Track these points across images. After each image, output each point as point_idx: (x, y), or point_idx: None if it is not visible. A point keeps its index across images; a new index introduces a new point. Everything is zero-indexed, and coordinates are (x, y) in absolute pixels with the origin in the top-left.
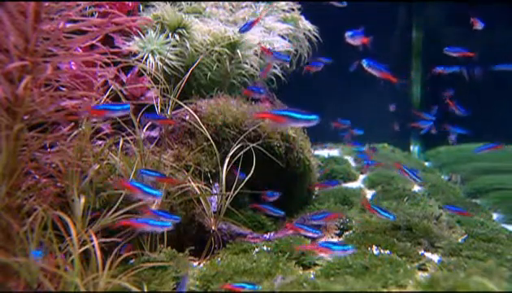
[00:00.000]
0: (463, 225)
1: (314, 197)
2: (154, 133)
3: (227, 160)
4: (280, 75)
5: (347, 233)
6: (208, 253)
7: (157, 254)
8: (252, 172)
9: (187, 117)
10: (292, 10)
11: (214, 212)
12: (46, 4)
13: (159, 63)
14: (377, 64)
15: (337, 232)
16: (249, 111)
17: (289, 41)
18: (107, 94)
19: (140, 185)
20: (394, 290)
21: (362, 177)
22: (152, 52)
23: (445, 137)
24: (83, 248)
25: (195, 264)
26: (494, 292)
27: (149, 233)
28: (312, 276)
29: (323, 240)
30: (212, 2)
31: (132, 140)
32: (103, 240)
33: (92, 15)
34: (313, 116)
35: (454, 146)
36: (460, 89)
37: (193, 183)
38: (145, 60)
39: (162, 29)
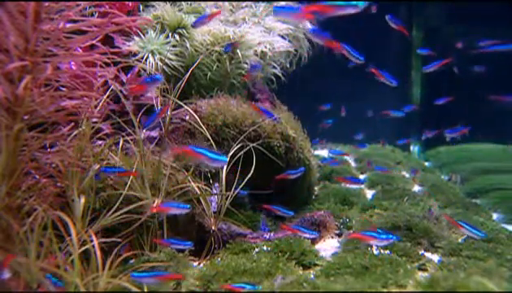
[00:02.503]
0: None
1: (314, 197)
2: (154, 133)
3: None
4: (280, 75)
5: (347, 232)
6: (208, 253)
7: (157, 254)
8: (252, 172)
9: (187, 117)
10: None
11: (214, 212)
12: (46, 4)
13: (159, 63)
14: (320, 32)
15: (337, 232)
16: (249, 112)
17: (289, 41)
18: (107, 93)
19: (203, 151)
20: (394, 290)
21: (362, 177)
22: (152, 52)
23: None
24: (83, 248)
25: (195, 264)
26: (494, 292)
27: (149, 232)
28: (312, 276)
29: (322, 240)
30: (212, 2)
31: (132, 140)
32: (103, 240)
33: (92, 15)
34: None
35: (454, 146)
36: (462, 88)
37: (192, 183)
38: (145, 60)
39: (162, 29)
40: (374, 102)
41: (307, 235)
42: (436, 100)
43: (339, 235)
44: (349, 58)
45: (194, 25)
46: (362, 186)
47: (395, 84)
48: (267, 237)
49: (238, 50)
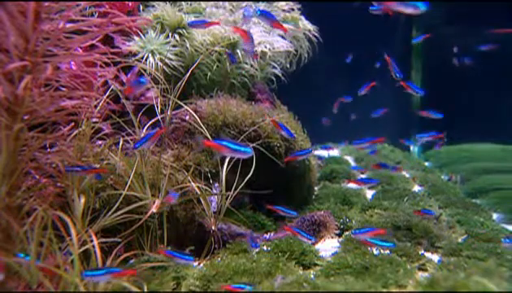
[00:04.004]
0: (463, 224)
1: (314, 197)
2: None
3: (227, 160)
4: (280, 75)
5: (347, 232)
6: (208, 253)
7: (157, 254)
8: (252, 172)
9: (187, 117)
10: (292, 10)
11: (214, 212)
12: (46, 4)
13: (159, 63)
14: (269, 14)
15: (337, 232)
16: (249, 112)
17: (289, 41)
18: (107, 93)
19: (227, 143)
20: (394, 291)
21: (362, 176)
22: (152, 52)
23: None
24: (83, 248)
25: (195, 264)
26: (494, 292)
27: (149, 232)
28: (312, 276)
29: (322, 240)
30: (212, 2)
31: (132, 140)
32: (103, 240)
33: (92, 15)
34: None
35: (454, 146)
36: (462, 88)
37: (192, 183)
38: (145, 60)
39: (162, 29)
40: (374, 103)
41: (305, 239)
42: (418, 110)
43: (339, 235)
44: (391, 72)
45: (190, 25)
46: (362, 186)
47: (421, 93)
48: (267, 237)
49: (238, 50)
